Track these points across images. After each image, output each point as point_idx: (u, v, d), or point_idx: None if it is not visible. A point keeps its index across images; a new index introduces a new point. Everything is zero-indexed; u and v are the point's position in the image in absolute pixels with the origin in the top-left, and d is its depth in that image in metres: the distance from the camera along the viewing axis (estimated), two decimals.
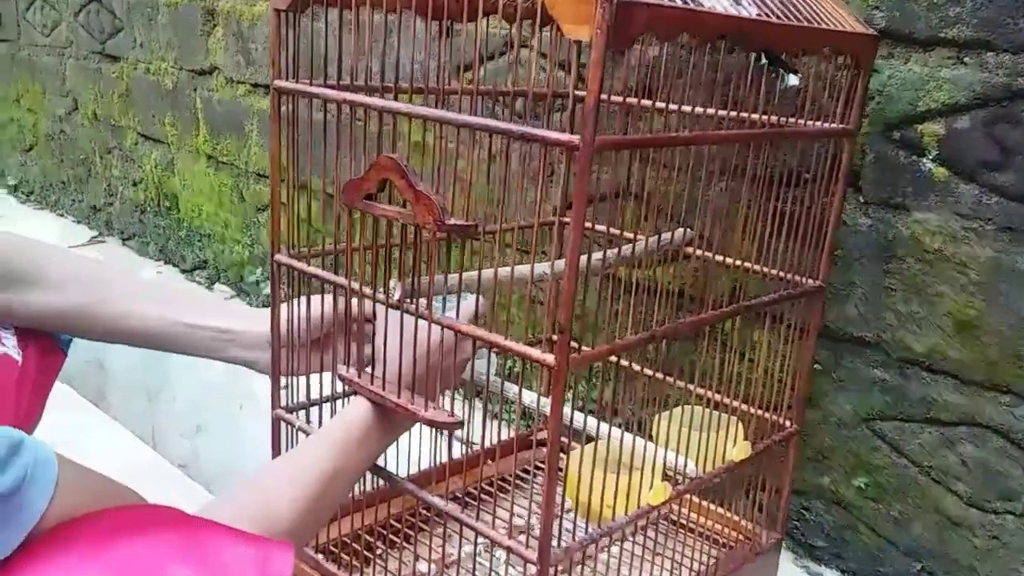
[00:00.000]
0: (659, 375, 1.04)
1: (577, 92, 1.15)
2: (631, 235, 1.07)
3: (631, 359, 1.08)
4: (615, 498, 0.84)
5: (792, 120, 0.89)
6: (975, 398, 1.03)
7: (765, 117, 0.83)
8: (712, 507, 1.14)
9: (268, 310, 0.95)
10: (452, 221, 0.73)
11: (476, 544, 1.02)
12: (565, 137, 0.65)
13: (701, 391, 1.00)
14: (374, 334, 0.95)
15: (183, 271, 2.39)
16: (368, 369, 0.87)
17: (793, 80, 0.86)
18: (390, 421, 0.86)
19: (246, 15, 1.95)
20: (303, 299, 0.93)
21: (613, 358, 1.07)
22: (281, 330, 0.93)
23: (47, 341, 0.93)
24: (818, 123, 0.91)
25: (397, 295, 0.81)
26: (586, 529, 0.84)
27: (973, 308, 1.01)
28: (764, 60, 0.77)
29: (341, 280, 0.87)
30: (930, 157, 1.01)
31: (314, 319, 0.93)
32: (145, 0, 2.27)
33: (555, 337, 1.30)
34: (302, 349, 0.94)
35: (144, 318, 0.94)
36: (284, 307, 0.92)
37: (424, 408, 0.82)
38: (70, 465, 0.64)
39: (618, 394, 1.15)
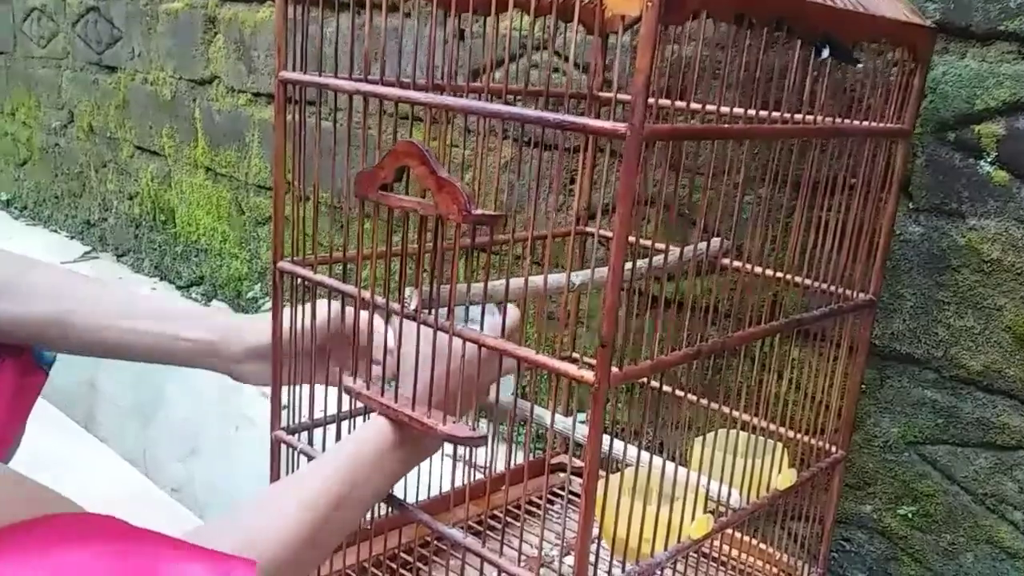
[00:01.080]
0: (691, 396, 0.96)
1: (603, 94, 1.08)
2: (660, 245, 0.99)
3: (662, 380, 1.00)
4: (654, 531, 0.76)
5: (842, 121, 0.82)
6: None
7: (811, 117, 0.76)
8: (746, 539, 1.06)
9: (255, 317, 0.89)
10: (479, 211, 0.65)
11: None
12: (610, 125, 0.58)
13: (738, 413, 0.92)
14: (385, 348, 0.87)
15: (179, 287, 2.31)
16: (377, 382, 0.79)
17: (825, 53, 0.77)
18: (412, 443, 0.78)
19: (248, 22, 1.89)
20: (307, 305, 0.85)
21: (644, 379, 0.99)
22: (284, 339, 0.85)
23: (27, 360, 0.87)
24: (871, 123, 0.84)
25: (413, 304, 0.73)
26: (623, 566, 0.76)
27: None
28: (825, 49, 0.70)
29: (350, 289, 0.79)
30: (988, 159, 0.93)
31: (318, 324, 0.86)
32: (144, 8, 2.20)
33: (575, 355, 1.24)
34: (304, 357, 0.86)
35: (120, 330, 0.88)
36: (286, 312, 0.85)
37: (442, 422, 0.74)
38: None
39: (644, 416, 1.07)
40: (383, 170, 0.68)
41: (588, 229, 1.12)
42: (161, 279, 2.39)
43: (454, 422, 0.74)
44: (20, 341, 0.87)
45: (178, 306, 0.93)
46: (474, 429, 0.73)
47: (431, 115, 0.85)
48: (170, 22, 2.12)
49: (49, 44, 2.65)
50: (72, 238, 2.76)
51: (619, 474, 0.81)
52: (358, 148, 0.75)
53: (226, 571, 0.56)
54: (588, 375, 0.64)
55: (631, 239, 0.99)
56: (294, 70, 0.80)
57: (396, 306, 0.74)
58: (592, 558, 0.70)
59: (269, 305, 1.82)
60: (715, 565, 1.02)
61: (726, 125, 0.65)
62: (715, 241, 0.94)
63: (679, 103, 0.88)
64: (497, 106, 0.65)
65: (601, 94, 1.09)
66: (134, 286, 2.35)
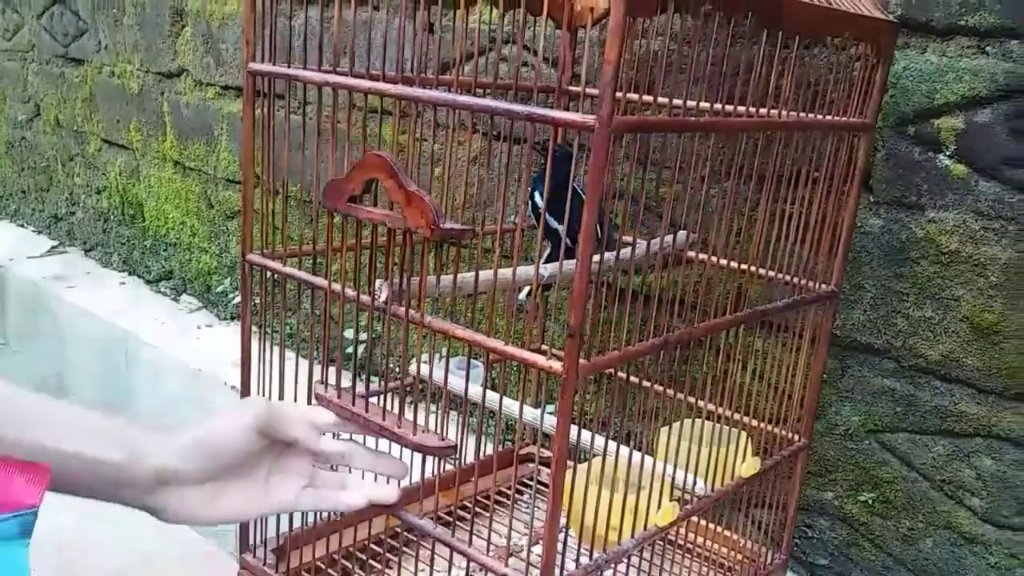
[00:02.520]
0: (658, 387, 0.98)
1: (572, 88, 1.09)
2: (627, 238, 1.01)
3: (629, 370, 1.01)
4: (621, 520, 0.77)
5: (805, 115, 0.83)
6: (993, 408, 0.98)
7: (775, 112, 0.78)
8: (711, 526, 1.08)
9: (180, 428, 0.66)
10: (448, 225, 0.66)
11: (468, 570, 0.95)
12: (579, 117, 0.59)
13: (703, 403, 0.93)
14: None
15: (148, 282, 2.29)
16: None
17: None
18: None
19: (216, 14, 1.88)
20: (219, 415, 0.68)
21: (610, 369, 1.01)
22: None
23: None
24: (834, 117, 0.85)
25: (383, 297, 0.74)
26: (591, 554, 0.77)
27: (992, 312, 0.95)
28: None
29: (320, 281, 0.79)
30: (947, 153, 0.95)
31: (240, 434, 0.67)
32: (111, 0, 2.18)
33: (544, 347, 1.25)
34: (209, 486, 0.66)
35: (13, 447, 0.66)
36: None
37: (412, 432, 0.74)
38: None
39: (609, 407, 1.08)
40: (351, 182, 0.68)
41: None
42: (130, 274, 2.37)
43: (423, 431, 0.74)
44: None
45: (94, 415, 0.64)
46: (444, 439, 0.73)
47: (400, 108, 0.85)
48: (137, 14, 2.10)
49: (14, 36, 2.62)
50: (39, 233, 2.73)
51: (587, 463, 0.82)
52: (327, 142, 0.75)
53: (5, 480, 0.46)
54: (556, 366, 0.65)
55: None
56: (263, 62, 0.80)
57: (366, 299, 0.75)
58: (560, 547, 0.71)
59: (239, 300, 1.81)
60: (680, 552, 1.04)
61: (692, 119, 0.66)
62: (681, 234, 0.95)
63: (647, 97, 0.89)
64: (467, 98, 0.66)
65: (571, 88, 1.10)
66: (103, 280, 2.33)
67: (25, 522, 0.45)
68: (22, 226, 2.81)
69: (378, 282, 0.74)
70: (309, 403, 0.88)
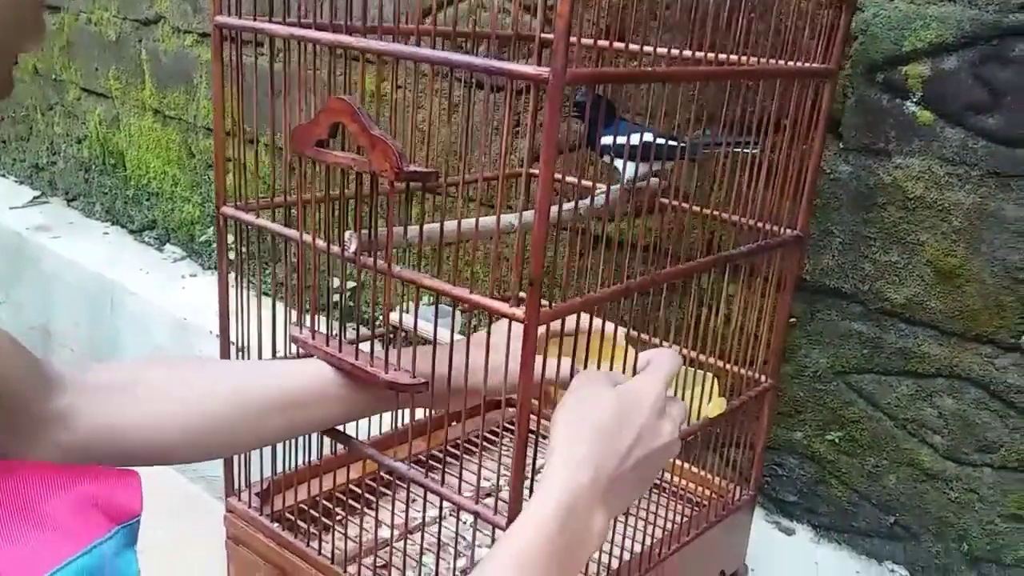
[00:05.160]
0: (622, 329, 1.00)
1: (544, 35, 1.09)
2: (602, 187, 1.02)
3: (596, 314, 1.03)
4: None
5: (771, 61, 0.84)
6: (954, 349, 1.00)
7: (743, 58, 0.78)
8: (680, 463, 1.11)
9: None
10: (411, 168, 0.67)
11: (441, 509, 0.98)
12: (533, 70, 0.60)
13: (668, 345, 0.96)
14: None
15: (131, 231, 2.30)
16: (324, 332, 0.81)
17: None
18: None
19: None
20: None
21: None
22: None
23: None
24: (797, 63, 0.86)
25: (352, 248, 0.75)
26: None
27: (955, 256, 0.97)
28: None
29: (293, 233, 0.80)
30: (914, 100, 0.96)
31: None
32: None
33: (522, 294, 1.26)
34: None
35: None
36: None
37: (384, 370, 0.76)
38: None
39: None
40: (318, 126, 0.69)
41: (532, 171, 1.14)
42: (113, 223, 2.37)
43: (395, 369, 0.76)
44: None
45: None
46: (415, 376, 0.75)
47: (365, 58, 0.86)
48: None
49: None
50: (21, 183, 2.72)
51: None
52: (300, 89, 0.76)
53: (109, 489, 0.48)
54: (518, 312, 0.67)
55: (573, 180, 1.01)
56: (230, 14, 0.80)
57: (336, 249, 0.76)
58: (528, 484, 0.74)
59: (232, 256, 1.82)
60: (651, 488, 1.07)
61: (649, 68, 0.67)
62: (653, 181, 0.96)
63: (607, 43, 0.89)
64: (426, 51, 0.66)
65: (545, 35, 1.10)
66: (86, 231, 2.33)
67: (132, 531, 0.48)
68: (3, 176, 2.79)
69: (347, 233, 0.76)
70: (286, 347, 0.90)
